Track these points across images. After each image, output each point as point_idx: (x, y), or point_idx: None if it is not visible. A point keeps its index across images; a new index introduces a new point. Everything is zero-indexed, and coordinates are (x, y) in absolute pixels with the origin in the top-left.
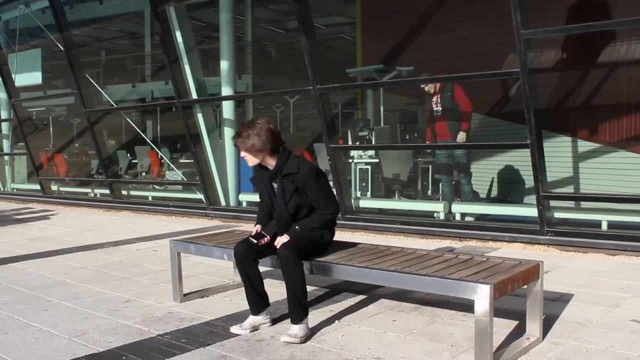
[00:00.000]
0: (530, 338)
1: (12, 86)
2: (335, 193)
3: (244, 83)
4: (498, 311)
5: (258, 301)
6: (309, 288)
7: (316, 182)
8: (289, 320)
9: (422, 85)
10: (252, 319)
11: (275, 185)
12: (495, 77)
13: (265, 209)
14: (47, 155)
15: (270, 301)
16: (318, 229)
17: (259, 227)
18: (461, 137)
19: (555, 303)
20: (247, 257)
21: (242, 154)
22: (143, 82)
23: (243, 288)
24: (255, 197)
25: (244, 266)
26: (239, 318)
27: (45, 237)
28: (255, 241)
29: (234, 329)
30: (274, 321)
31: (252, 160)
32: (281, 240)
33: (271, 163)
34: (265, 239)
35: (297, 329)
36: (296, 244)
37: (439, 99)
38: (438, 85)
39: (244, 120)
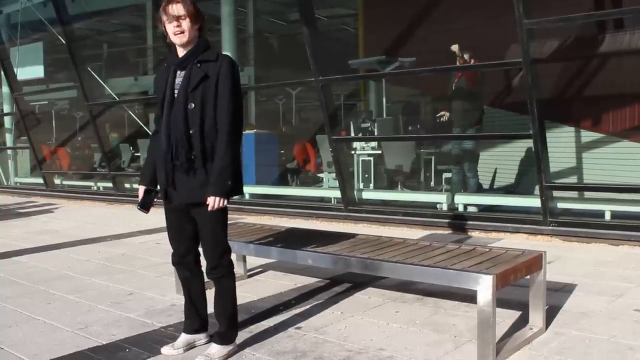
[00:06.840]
0: (533, 328)
1: (15, 80)
2: None
3: (245, 75)
4: (501, 302)
5: (195, 323)
6: (312, 279)
7: (233, 78)
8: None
9: (454, 51)
10: (185, 337)
11: (178, 80)
12: (497, 68)
13: (154, 149)
14: (50, 149)
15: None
16: (232, 167)
17: (141, 189)
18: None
19: (559, 293)
20: (192, 270)
21: (175, 23)
22: (145, 75)
23: (247, 279)
24: (258, 189)
25: (186, 281)
26: (243, 310)
27: (49, 231)
28: (145, 211)
29: (165, 350)
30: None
31: (189, 30)
32: (214, 204)
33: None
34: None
35: (219, 350)
36: (221, 246)
37: (461, 77)
38: (469, 59)
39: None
